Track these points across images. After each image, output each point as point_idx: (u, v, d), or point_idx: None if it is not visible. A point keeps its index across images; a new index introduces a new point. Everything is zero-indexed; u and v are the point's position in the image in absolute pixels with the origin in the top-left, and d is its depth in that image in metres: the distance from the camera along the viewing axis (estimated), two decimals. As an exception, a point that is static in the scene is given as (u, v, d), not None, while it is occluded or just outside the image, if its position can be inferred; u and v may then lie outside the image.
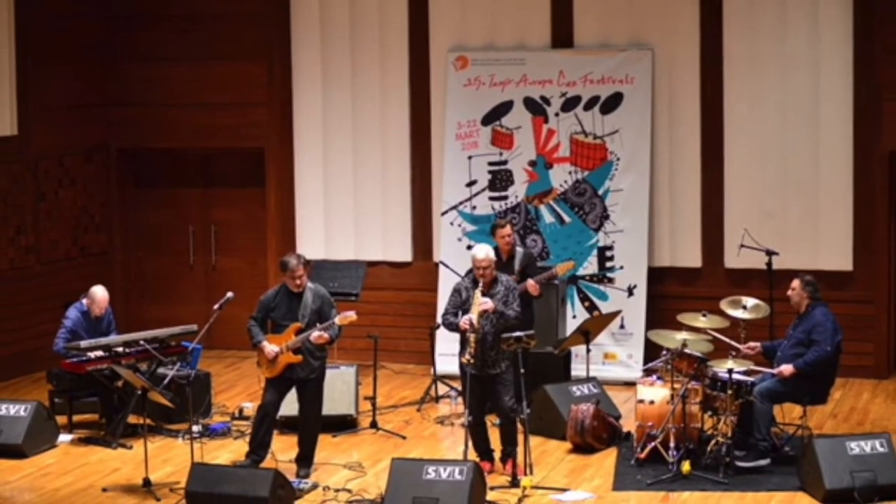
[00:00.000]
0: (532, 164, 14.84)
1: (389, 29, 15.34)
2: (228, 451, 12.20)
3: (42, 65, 15.31)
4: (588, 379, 12.86)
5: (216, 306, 11.82)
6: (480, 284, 11.19)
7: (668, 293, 14.61)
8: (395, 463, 10.59)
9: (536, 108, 14.80)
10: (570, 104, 14.73)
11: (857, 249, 14.39)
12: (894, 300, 14.59)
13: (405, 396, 14.04)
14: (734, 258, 14.50)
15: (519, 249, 13.06)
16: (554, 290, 13.67)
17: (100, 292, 12.94)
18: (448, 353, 13.52)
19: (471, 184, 14.98)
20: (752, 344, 11.92)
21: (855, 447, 10.72)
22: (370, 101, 15.48)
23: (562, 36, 15.01)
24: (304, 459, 11.45)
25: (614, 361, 14.49)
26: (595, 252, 14.64)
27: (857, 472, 10.58)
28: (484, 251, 11.26)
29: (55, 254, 15.52)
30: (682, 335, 11.74)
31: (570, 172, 14.75)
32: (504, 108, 14.86)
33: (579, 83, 14.74)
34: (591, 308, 14.59)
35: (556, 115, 14.76)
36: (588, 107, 14.68)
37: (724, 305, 12.22)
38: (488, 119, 14.93)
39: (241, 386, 14.51)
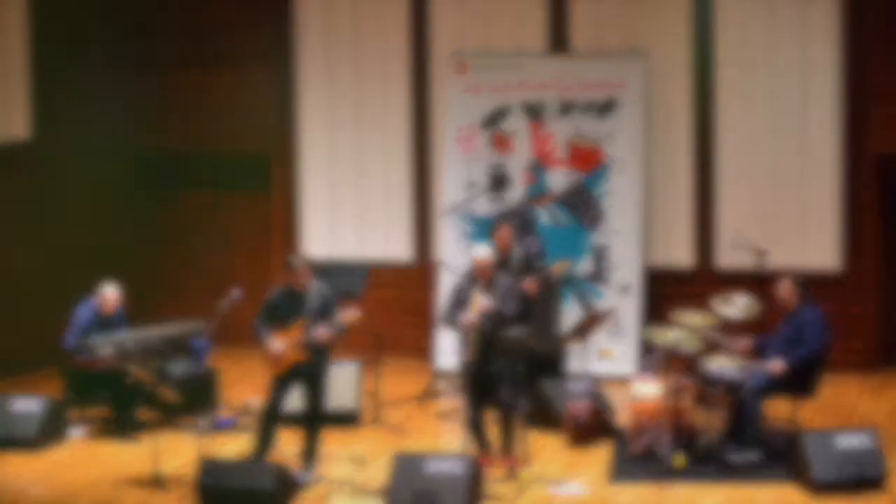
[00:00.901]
0: (530, 167, 15.01)
1: (391, 36, 15.51)
2: (235, 445, 12.36)
3: (55, 69, 15.49)
4: (584, 375, 13.04)
5: (223, 304, 12.01)
6: (479, 284, 11.41)
7: (662, 292, 14.80)
8: (396, 457, 10.79)
9: (534, 112, 14.98)
10: (566, 108, 14.90)
11: (846, 249, 14.57)
12: (882, 298, 14.78)
13: (406, 392, 14.20)
14: (726, 258, 14.68)
15: (517, 250, 13.22)
16: (551, 290, 13.87)
17: (111, 290, 13.13)
18: (448, 350, 13.72)
19: (470, 186, 15.18)
20: (743, 341, 12.10)
21: (843, 441, 10.92)
22: (372, 105, 15.65)
23: (558, 42, 15.19)
24: (308, 453, 11.61)
25: (610, 358, 14.67)
26: (591, 252, 14.84)
27: (844, 466, 10.80)
28: (483, 251, 11.43)
29: (67, 252, 15.74)
30: (675, 333, 11.92)
31: (566, 175, 14.93)
32: (502, 113, 15.07)
33: (575, 88, 14.92)
34: (587, 307, 14.78)
35: (553, 119, 14.94)
36: (584, 111, 14.86)
37: (715, 304, 12.37)
38: (487, 123, 15.11)
39: (246, 382, 14.62)
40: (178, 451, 12.20)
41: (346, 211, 15.85)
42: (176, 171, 16.60)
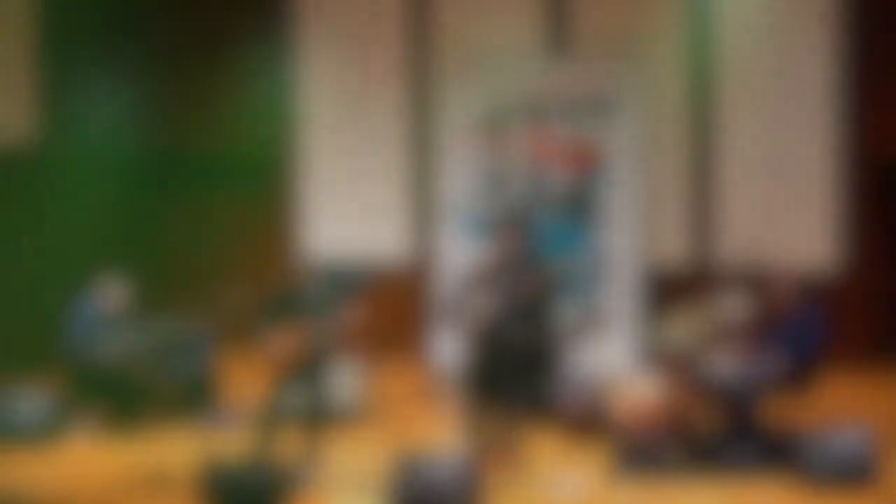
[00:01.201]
0: (529, 167, 15.09)
1: (391, 38, 15.60)
2: (236, 444, 12.37)
3: (58, 70, 15.59)
4: (583, 374, 13.13)
5: (224, 302, 12.09)
6: (481, 284, 11.46)
7: (661, 290, 14.91)
8: (397, 455, 10.85)
9: (533, 113, 15.07)
10: (565, 109, 15.00)
11: (846, 249, 14.67)
12: (881, 297, 14.88)
13: (408, 391, 14.31)
14: (725, 257, 14.78)
15: (517, 250, 13.28)
16: (549, 289, 13.91)
17: (113, 287, 13.22)
18: (450, 349, 13.79)
19: (470, 186, 15.25)
20: (741, 340, 12.18)
21: (841, 440, 11.01)
22: (373, 106, 15.75)
23: (558, 43, 15.29)
24: (308, 453, 11.66)
25: (609, 356, 14.74)
26: (590, 252, 14.92)
27: (842, 465, 10.89)
28: (484, 252, 11.50)
29: (74, 249, 15.82)
30: (674, 332, 12.01)
31: (566, 175, 15.01)
32: (502, 113, 15.14)
33: (575, 88, 15.02)
34: (586, 306, 14.86)
35: (553, 119, 15.03)
36: (583, 111, 14.94)
37: (714, 303, 12.46)
38: (487, 123, 15.20)
39: (249, 380, 14.68)
40: (179, 450, 12.28)
41: (346, 209, 15.94)
42: (180, 168, 16.68)
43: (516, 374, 11.37)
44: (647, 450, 11.72)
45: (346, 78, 15.88)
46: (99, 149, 16.18)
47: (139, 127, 16.50)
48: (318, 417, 11.66)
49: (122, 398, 12.96)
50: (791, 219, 14.79)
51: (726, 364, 11.72)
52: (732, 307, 12.38)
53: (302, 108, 16.12)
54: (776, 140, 14.82)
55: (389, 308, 15.49)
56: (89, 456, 12.37)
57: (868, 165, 14.64)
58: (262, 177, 16.33)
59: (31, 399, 12.82)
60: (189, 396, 12.63)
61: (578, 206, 14.96)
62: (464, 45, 15.40)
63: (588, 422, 12.27)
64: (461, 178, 15.24)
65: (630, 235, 14.84)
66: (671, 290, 14.81)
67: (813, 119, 14.67)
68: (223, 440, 12.64)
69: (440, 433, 13.00)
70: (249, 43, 16.15)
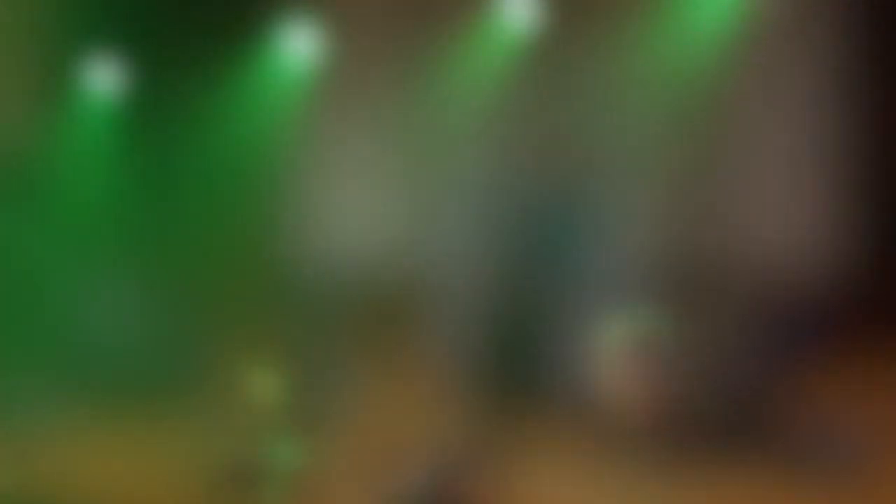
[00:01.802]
0: (529, 165, 15.15)
1: (391, 37, 15.71)
2: (237, 441, 12.47)
3: (65, 67, 15.69)
4: (581, 368, 13.18)
5: (227, 300, 12.18)
6: (480, 283, 11.56)
7: (660, 287, 14.95)
8: (396, 453, 11.01)
9: (534, 110, 15.13)
10: (565, 106, 15.07)
11: (844, 247, 14.78)
12: (878, 295, 14.96)
13: (407, 389, 14.32)
14: (723, 252, 14.88)
15: (517, 248, 13.36)
16: (548, 286, 13.98)
17: (116, 282, 13.30)
18: (449, 347, 13.87)
19: (470, 184, 15.30)
20: (739, 336, 12.28)
21: (836, 435, 11.21)
22: (373, 104, 15.82)
23: (559, 38, 15.39)
24: (308, 452, 11.78)
25: (607, 352, 14.80)
26: (589, 250, 14.95)
27: (837, 460, 11.08)
28: (483, 251, 11.59)
29: (76, 246, 15.77)
30: (672, 327, 12.10)
31: (564, 173, 15.08)
32: (503, 111, 15.20)
33: (574, 83, 15.08)
34: (585, 302, 14.95)
35: (552, 117, 15.09)
36: (583, 108, 15.02)
37: (712, 299, 12.54)
38: (487, 122, 15.25)
39: (250, 378, 14.78)
40: (182, 447, 12.33)
41: (345, 207, 16.02)
42: (174, 166, 16.78)
43: (514, 371, 11.45)
44: (643, 444, 11.82)
45: (346, 76, 15.93)
46: (98, 145, 16.25)
47: (137, 123, 16.54)
48: (318, 416, 11.71)
49: (125, 395, 13.04)
50: (793, 216, 14.86)
51: (725, 360, 11.81)
52: (731, 304, 12.47)
53: (301, 105, 16.19)
54: (778, 137, 14.88)
55: (388, 306, 15.57)
56: (92, 453, 12.46)
57: (872, 163, 14.71)
58: (263, 175, 16.39)
59: (34, 396, 12.91)
60: (191, 394, 12.71)
61: (577, 204, 15.03)
62: (464, 44, 15.48)
63: (585, 416, 12.36)
64: (461, 175, 15.30)
65: (630, 233, 14.90)
66: (671, 287, 14.90)
67: (816, 115, 14.73)
68: (224, 437, 12.74)
69: (440, 431, 13.08)
70: (249, 41, 16.20)
